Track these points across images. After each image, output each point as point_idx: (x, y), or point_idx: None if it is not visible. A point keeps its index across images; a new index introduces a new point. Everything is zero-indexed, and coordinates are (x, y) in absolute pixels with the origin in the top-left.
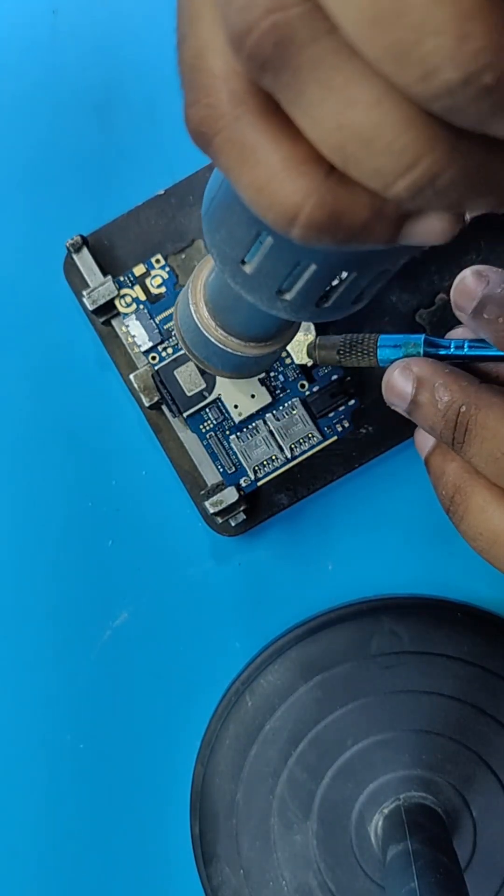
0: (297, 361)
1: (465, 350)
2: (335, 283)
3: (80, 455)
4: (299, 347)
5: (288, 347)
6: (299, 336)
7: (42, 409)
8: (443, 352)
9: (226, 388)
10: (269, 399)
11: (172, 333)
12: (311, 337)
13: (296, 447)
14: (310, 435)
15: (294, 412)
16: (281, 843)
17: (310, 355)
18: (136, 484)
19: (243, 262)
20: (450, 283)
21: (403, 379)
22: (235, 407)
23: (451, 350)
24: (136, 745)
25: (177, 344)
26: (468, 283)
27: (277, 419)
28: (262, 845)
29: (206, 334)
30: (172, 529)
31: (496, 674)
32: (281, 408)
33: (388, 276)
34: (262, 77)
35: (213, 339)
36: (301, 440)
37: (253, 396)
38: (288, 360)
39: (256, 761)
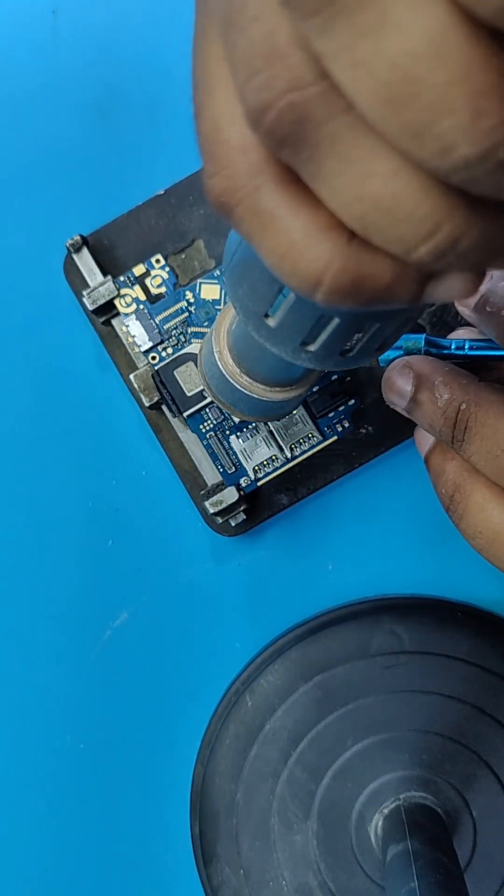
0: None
1: (466, 350)
2: (359, 334)
3: (80, 455)
4: None
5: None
6: None
7: (42, 409)
8: (444, 351)
9: None
10: None
11: (172, 333)
12: None
13: (296, 447)
14: (310, 435)
15: (294, 412)
16: (281, 843)
17: None
18: (136, 484)
19: (266, 316)
20: None
21: (403, 377)
22: None
23: (452, 350)
24: (136, 745)
25: (177, 343)
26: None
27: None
28: (262, 845)
29: (232, 381)
30: (172, 529)
31: (496, 674)
32: None
33: (411, 322)
34: (281, 152)
35: (238, 386)
36: (301, 440)
37: None
38: None
39: (256, 761)
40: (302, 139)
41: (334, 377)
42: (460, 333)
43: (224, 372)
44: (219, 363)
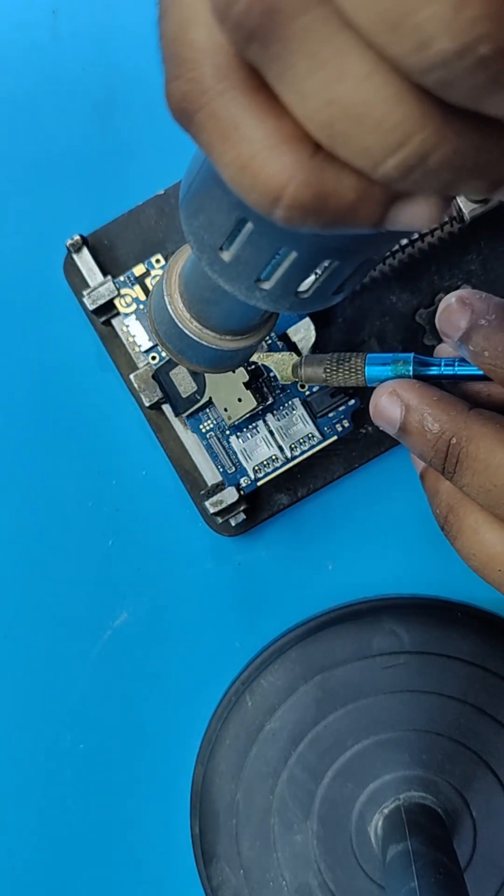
0: (281, 381)
1: (455, 369)
2: (316, 272)
3: (80, 455)
4: (283, 366)
5: (272, 365)
6: (284, 356)
7: (42, 408)
8: (433, 370)
9: (217, 392)
10: (254, 403)
11: None
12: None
13: (296, 447)
14: (310, 435)
15: (294, 412)
16: (281, 843)
17: (294, 374)
18: (136, 484)
19: (221, 250)
20: (450, 283)
21: (391, 404)
22: (225, 410)
23: (441, 369)
24: (136, 745)
25: None
26: (452, 311)
27: (277, 419)
28: (262, 845)
29: (181, 326)
30: (172, 529)
31: (496, 674)
32: (281, 408)
33: (370, 267)
34: (248, 49)
35: (187, 332)
36: (301, 440)
37: (240, 400)
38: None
39: (256, 761)
40: (271, 33)
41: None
42: (449, 350)
43: (174, 316)
44: (168, 307)
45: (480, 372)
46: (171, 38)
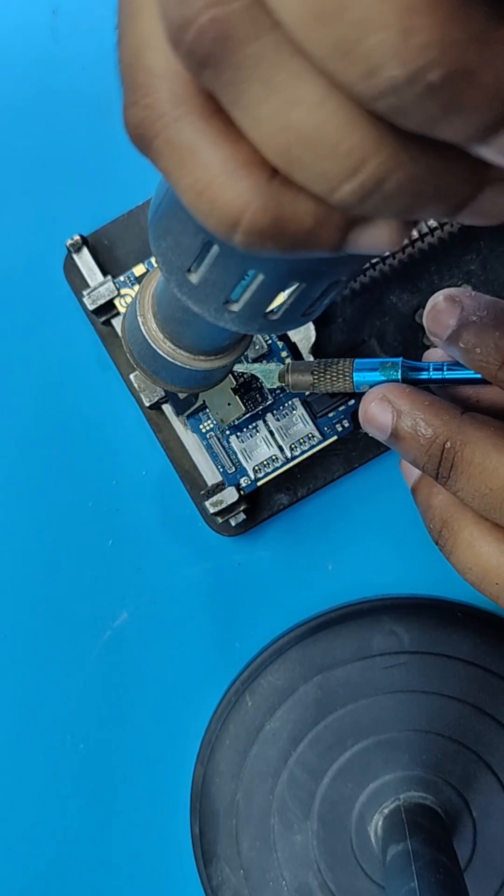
0: (267, 386)
1: (444, 373)
2: (284, 295)
3: (80, 455)
4: (270, 375)
5: (258, 374)
6: (270, 365)
7: (42, 408)
8: (422, 375)
9: (209, 397)
10: (242, 409)
11: None
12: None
13: (296, 447)
14: (310, 435)
15: (294, 412)
16: (281, 843)
17: (281, 380)
18: (136, 484)
19: (189, 272)
20: (450, 283)
21: (382, 410)
22: (217, 414)
23: (430, 373)
24: (136, 745)
25: None
26: (441, 310)
27: (277, 419)
28: (262, 845)
29: (154, 346)
30: (172, 529)
31: (496, 674)
32: (281, 408)
33: (339, 287)
34: (202, 74)
35: (161, 352)
36: (301, 440)
37: (229, 405)
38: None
39: (256, 761)
40: (223, 60)
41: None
42: (438, 354)
43: (147, 337)
44: (142, 328)
45: (470, 375)
46: (127, 63)
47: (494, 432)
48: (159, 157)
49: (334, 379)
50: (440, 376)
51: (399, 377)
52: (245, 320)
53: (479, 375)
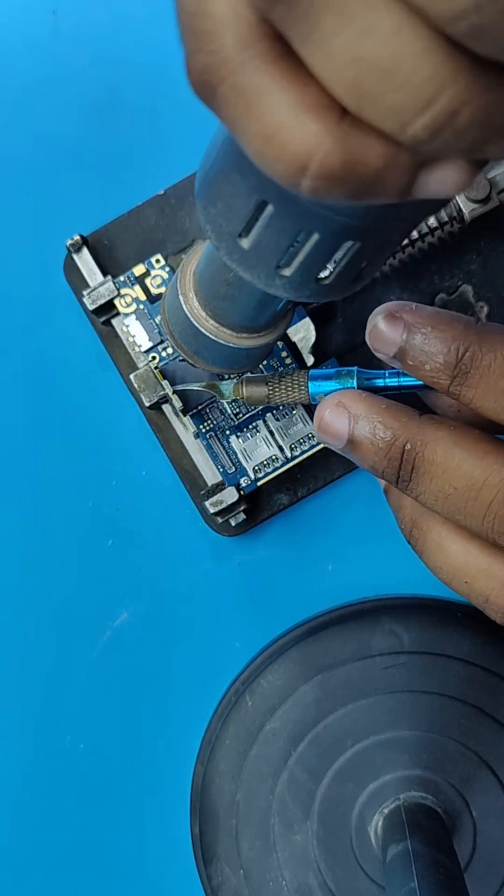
0: (221, 400)
1: (400, 380)
2: (337, 256)
3: (80, 455)
4: (224, 388)
5: (211, 390)
6: (224, 382)
7: (42, 409)
8: (377, 382)
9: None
10: (194, 428)
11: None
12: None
13: (296, 447)
14: (310, 435)
15: (294, 412)
16: (281, 843)
17: (236, 392)
18: (136, 484)
19: (240, 237)
20: (450, 283)
21: (337, 416)
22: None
23: (386, 380)
24: (136, 745)
25: None
26: (382, 330)
27: (277, 419)
28: (262, 845)
29: (197, 325)
30: (172, 529)
31: (496, 674)
32: (281, 407)
33: (390, 250)
34: (273, 10)
35: (203, 331)
36: (301, 440)
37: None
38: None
39: (256, 761)
40: None
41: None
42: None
43: (189, 315)
44: (184, 306)
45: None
46: (190, 12)
47: (454, 430)
48: (224, 104)
49: (289, 390)
50: (396, 383)
51: (355, 385)
52: (297, 286)
53: None
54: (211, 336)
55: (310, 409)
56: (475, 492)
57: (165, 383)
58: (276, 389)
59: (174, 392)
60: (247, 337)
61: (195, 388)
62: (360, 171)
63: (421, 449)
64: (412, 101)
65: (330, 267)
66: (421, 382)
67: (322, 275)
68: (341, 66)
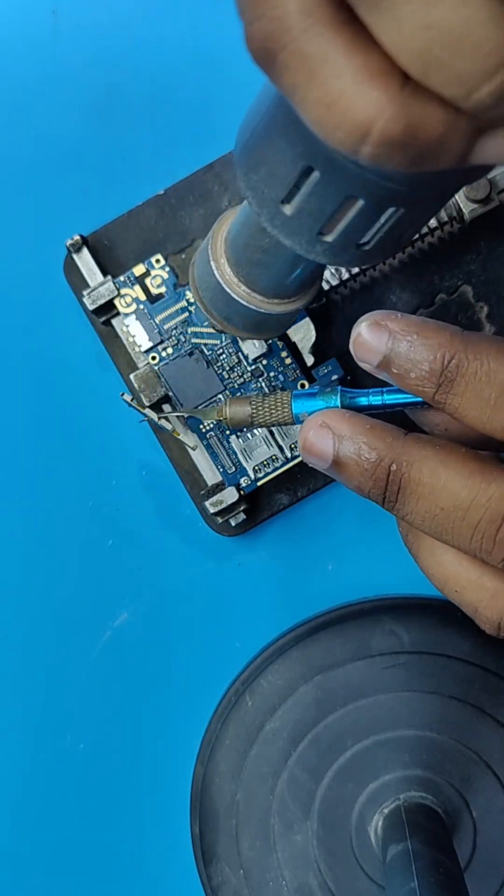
0: (205, 421)
1: (384, 398)
2: (380, 222)
3: (80, 455)
4: (208, 412)
5: (198, 415)
6: (208, 408)
7: (42, 409)
8: (362, 400)
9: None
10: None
11: (172, 333)
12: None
13: (296, 447)
14: None
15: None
16: (281, 843)
17: (220, 414)
18: (136, 484)
19: (283, 203)
20: (450, 283)
21: (321, 437)
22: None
23: (370, 398)
24: (136, 745)
25: (177, 343)
26: (366, 339)
27: None
28: (262, 845)
29: (229, 291)
30: (172, 529)
31: (496, 674)
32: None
33: (429, 216)
34: None
35: (235, 296)
36: None
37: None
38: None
39: (256, 761)
40: None
41: (335, 377)
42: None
43: (221, 281)
44: (216, 272)
45: (411, 399)
46: None
47: (440, 450)
48: (285, 70)
49: (272, 410)
50: (380, 401)
51: (338, 404)
52: (337, 251)
53: (419, 399)
54: (242, 302)
55: None
56: (462, 511)
57: (148, 411)
58: (259, 409)
59: (159, 418)
60: (278, 303)
61: (179, 415)
62: (420, 137)
63: (407, 469)
64: (480, 67)
65: (371, 233)
66: (406, 399)
67: (363, 240)
68: (410, 33)
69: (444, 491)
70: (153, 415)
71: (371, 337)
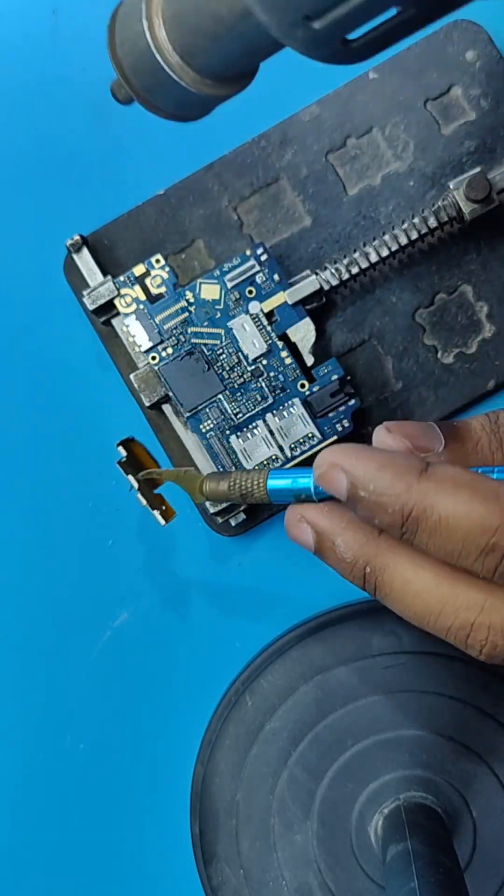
0: (194, 500)
1: None
2: (380, 18)
3: (80, 455)
4: (191, 483)
5: (179, 483)
6: (188, 471)
7: (42, 408)
8: None
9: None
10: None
11: (172, 333)
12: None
13: (296, 447)
14: (310, 435)
15: (294, 412)
16: (281, 843)
17: (202, 491)
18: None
19: None
20: (450, 283)
21: (302, 531)
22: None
23: None
24: (136, 745)
25: (177, 343)
26: (331, 478)
27: (277, 419)
28: (262, 845)
29: (159, 58)
30: (172, 529)
31: (496, 674)
32: (281, 408)
33: (424, 26)
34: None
35: (166, 67)
36: (301, 440)
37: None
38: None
39: (256, 761)
40: None
41: (335, 377)
42: (382, 436)
43: (151, 46)
44: (146, 34)
45: None
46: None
47: (413, 555)
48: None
49: (249, 487)
50: None
51: (310, 484)
52: (318, 42)
53: None
54: (173, 75)
55: (310, 409)
56: (434, 617)
57: (130, 477)
58: (236, 485)
59: (139, 481)
60: (211, 85)
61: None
62: None
63: (380, 574)
64: None
65: (364, 29)
66: None
67: (352, 36)
68: None
69: (416, 599)
70: (134, 483)
71: (331, 479)
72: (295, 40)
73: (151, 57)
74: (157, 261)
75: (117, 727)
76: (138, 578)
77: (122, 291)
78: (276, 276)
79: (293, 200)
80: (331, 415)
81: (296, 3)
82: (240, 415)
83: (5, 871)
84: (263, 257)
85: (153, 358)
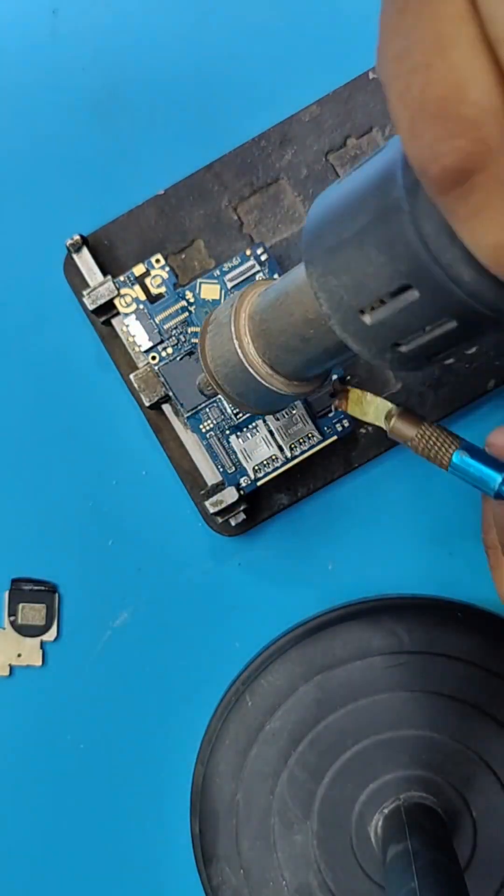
0: (365, 419)
1: None
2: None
3: (80, 455)
4: (378, 411)
5: (369, 401)
6: (378, 400)
7: (42, 408)
8: None
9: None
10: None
11: (172, 333)
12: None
13: (296, 447)
14: (310, 435)
15: (294, 412)
16: (281, 843)
17: (387, 418)
18: (136, 484)
19: (363, 313)
20: None
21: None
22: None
23: None
24: (136, 744)
25: (177, 343)
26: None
27: (277, 419)
28: (262, 845)
29: (253, 372)
30: (172, 529)
31: (496, 674)
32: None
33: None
34: None
35: (258, 377)
36: (301, 440)
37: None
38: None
39: (256, 761)
40: None
41: (335, 377)
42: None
43: (244, 362)
44: (239, 352)
45: None
46: (443, 97)
47: None
48: (475, 192)
49: (433, 446)
50: None
51: (495, 488)
52: (407, 361)
53: None
54: (264, 383)
55: (310, 409)
56: None
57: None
58: (423, 437)
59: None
60: (297, 385)
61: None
62: None
63: None
64: None
65: (449, 351)
66: None
67: (437, 354)
68: None
69: None
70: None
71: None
72: (383, 361)
73: (244, 370)
74: (157, 261)
75: (117, 727)
76: (138, 578)
77: (122, 291)
78: (276, 276)
79: (293, 200)
80: (331, 415)
81: (385, 335)
82: (240, 414)
83: (6, 871)
84: (263, 257)
85: (153, 358)
